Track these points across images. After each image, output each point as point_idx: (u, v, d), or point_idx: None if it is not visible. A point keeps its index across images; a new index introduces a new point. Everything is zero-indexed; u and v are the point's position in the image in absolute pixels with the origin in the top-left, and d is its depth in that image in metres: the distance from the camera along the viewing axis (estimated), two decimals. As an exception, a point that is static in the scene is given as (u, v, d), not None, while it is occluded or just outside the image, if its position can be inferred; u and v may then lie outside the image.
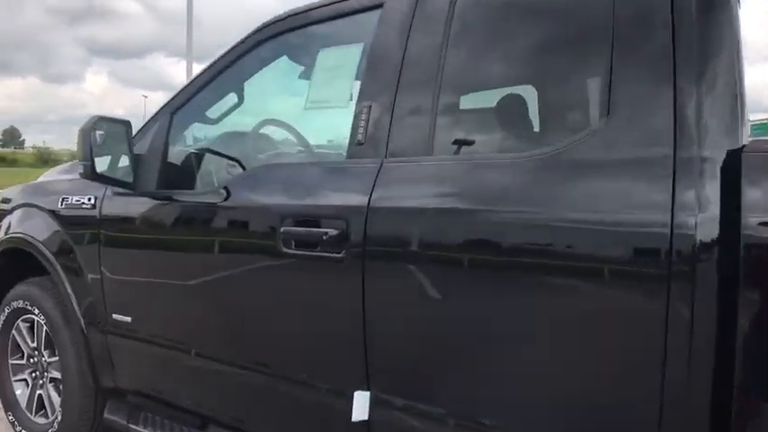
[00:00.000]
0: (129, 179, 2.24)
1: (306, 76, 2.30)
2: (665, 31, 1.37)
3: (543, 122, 2.06)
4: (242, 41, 2.23)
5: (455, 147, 1.77)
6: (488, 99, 2.02)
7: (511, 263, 1.49)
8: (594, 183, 1.43)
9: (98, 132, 2.14)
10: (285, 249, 1.83)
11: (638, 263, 1.32)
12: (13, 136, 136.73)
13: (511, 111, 1.99)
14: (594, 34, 1.52)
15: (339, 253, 1.72)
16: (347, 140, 1.85)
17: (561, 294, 1.42)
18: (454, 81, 1.76)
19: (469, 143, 1.80)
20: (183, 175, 2.32)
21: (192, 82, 2.34)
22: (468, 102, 1.93)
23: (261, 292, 1.98)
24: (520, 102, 2.00)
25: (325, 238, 1.73)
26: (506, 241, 1.50)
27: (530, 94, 2.01)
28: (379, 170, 1.73)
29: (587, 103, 1.77)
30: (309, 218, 1.82)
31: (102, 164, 2.17)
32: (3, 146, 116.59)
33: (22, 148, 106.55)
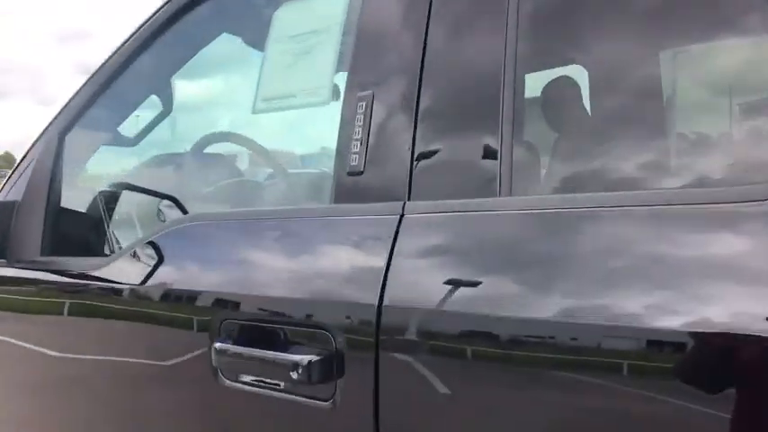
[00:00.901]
0: None
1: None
2: None
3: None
4: (158, 11, 1.37)
5: (558, 178, 0.89)
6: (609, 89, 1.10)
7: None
8: None
9: None
10: (227, 382, 0.97)
11: None
12: (9, 162, 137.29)
13: (661, 107, 1.05)
14: None
15: (326, 400, 0.86)
16: (331, 167, 1.00)
17: None
18: (539, 53, 0.90)
19: (589, 172, 0.91)
20: (85, 229, 1.52)
21: (88, 84, 1.48)
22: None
23: None
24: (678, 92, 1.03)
25: (295, 375, 0.86)
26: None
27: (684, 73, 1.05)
28: (397, 227, 0.86)
29: None
30: (266, 327, 0.96)
31: None
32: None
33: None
